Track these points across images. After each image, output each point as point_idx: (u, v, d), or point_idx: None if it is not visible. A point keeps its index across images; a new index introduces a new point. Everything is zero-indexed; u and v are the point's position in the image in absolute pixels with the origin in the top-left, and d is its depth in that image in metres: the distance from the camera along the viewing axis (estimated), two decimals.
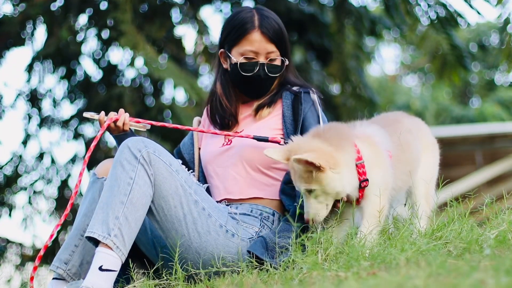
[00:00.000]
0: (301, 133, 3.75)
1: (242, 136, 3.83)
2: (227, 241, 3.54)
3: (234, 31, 3.91)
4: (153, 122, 3.95)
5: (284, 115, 3.89)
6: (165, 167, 3.45)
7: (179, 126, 4.07)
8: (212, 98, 4.06)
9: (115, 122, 3.78)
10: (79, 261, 3.65)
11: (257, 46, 3.86)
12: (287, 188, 3.77)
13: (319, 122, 3.87)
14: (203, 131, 3.96)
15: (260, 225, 3.72)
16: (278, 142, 3.74)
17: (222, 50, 4.00)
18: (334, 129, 3.52)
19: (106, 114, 3.83)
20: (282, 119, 3.88)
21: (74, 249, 3.66)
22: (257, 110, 3.96)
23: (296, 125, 3.85)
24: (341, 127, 3.57)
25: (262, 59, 3.87)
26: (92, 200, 3.68)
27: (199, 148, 4.12)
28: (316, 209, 3.41)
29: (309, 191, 3.39)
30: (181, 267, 3.44)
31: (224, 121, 3.96)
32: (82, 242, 3.62)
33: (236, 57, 3.90)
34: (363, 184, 3.47)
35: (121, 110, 3.86)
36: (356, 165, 3.46)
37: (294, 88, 3.97)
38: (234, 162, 3.86)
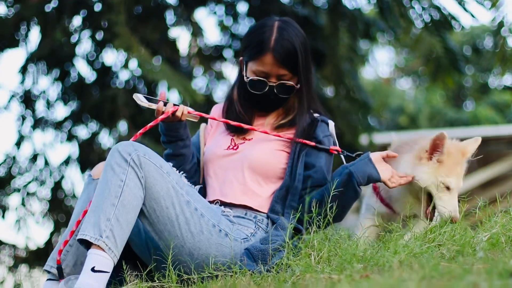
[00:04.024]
0: (307, 155, 3.85)
1: (306, 143, 3.90)
2: (221, 241, 3.54)
3: (251, 47, 3.92)
4: (214, 118, 4.01)
5: (295, 136, 3.94)
6: (155, 169, 3.45)
7: (242, 125, 3.98)
8: (229, 101, 4.10)
9: (173, 113, 3.80)
10: (73, 261, 3.66)
11: (269, 69, 3.86)
12: (278, 207, 3.80)
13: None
14: (266, 132, 3.93)
15: (255, 226, 3.73)
16: (338, 151, 3.92)
17: (241, 58, 4.02)
18: None
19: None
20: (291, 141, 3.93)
21: (68, 248, 3.68)
22: (277, 128, 4.00)
23: (301, 147, 3.89)
24: None
25: (273, 80, 3.88)
26: (87, 200, 3.69)
27: (205, 145, 4.15)
28: None
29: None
30: (174, 269, 3.45)
31: (237, 127, 3.98)
32: (76, 243, 3.63)
33: (249, 73, 3.91)
34: None
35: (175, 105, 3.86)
36: None
37: (315, 114, 4.01)
38: (236, 167, 3.88)
